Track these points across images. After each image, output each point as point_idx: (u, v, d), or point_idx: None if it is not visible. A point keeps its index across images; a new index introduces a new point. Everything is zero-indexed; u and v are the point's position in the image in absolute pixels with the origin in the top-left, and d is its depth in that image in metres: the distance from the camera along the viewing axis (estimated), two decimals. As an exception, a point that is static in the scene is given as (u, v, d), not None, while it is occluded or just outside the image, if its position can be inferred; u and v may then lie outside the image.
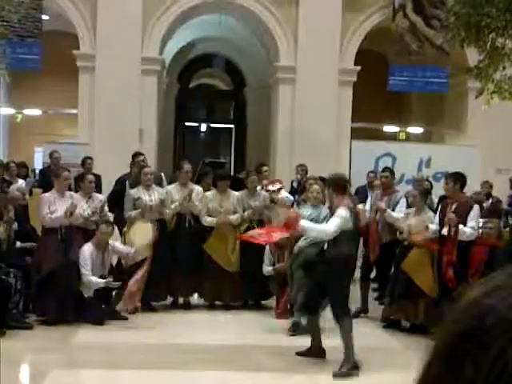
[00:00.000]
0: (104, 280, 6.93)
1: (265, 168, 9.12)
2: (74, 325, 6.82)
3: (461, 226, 6.81)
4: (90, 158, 10.49)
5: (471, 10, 7.99)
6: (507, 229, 8.09)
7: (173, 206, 7.89)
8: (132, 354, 6.07)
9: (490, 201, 9.88)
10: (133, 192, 7.82)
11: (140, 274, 7.19)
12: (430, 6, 12.45)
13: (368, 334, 7.12)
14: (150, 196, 7.76)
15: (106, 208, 7.65)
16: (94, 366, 5.65)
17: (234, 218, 8.01)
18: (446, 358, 0.58)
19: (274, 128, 13.81)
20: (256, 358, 5.97)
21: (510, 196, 10.80)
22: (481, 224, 7.24)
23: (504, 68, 8.31)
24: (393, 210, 7.77)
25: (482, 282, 0.60)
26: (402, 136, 15.16)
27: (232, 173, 14.80)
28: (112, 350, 6.14)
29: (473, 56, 9.49)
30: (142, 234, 7.41)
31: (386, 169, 8.52)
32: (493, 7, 7.79)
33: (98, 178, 8.77)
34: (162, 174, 9.28)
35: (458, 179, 7.13)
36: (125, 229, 7.75)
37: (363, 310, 7.96)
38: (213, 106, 21.41)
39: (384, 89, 13.76)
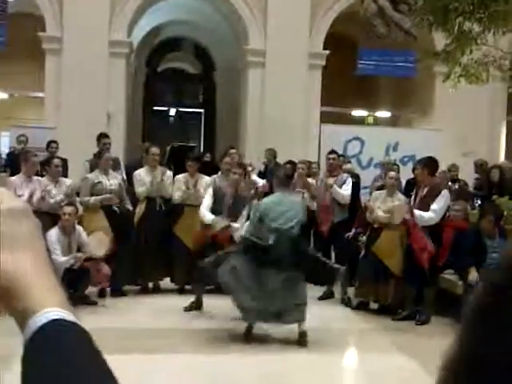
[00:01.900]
0: (70, 255, 6.89)
1: (232, 150, 9.07)
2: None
3: (418, 212, 6.90)
4: (54, 141, 10.34)
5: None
6: (474, 211, 8.21)
7: (143, 189, 7.86)
8: (100, 339, 6.00)
9: (457, 184, 10.01)
10: (92, 176, 7.71)
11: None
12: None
13: (338, 317, 7.21)
14: (109, 180, 7.68)
15: (74, 195, 7.57)
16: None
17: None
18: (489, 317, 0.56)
19: (244, 112, 13.78)
20: (225, 341, 6.00)
21: (475, 179, 10.95)
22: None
23: (471, 52, 8.40)
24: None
25: None
26: (371, 120, 15.26)
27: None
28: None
29: (440, 40, 9.56)
30: (98, 242, 7.29)
31: (332, 151, 8.52)
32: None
33: (64, 161, 8.66)
34: (119, 158, 9.20)
35: (427, 164, 7.21)
36: (82, 212, 7.62)
37: (329, 294, 8.02)
38: (182, 90, 21.25)
39: (353, 73, 13.82)
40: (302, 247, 6.13)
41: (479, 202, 8.84)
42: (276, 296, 5.80)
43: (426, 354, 5.92)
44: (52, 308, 0.69)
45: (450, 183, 9.81)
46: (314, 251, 6.63)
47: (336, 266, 6.39)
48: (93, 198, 7.52)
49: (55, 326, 0.67)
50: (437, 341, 6.41)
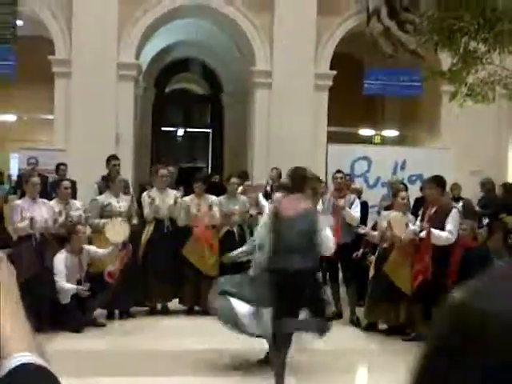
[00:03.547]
0: (75, 286, 6.92)
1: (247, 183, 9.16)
2: (52, 333, 6.77)
3: (437, 231, 6.85)
4: (63, 164, 10.43)
5: (444, 14, 8.11)
6: (481, 230, 8.19)
7: (151, 210, 7.91)
8: (109, 361, 6.04)
9: (461, 203, 10.00)
10: (102, 198, 7.75)
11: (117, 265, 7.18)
12: (404, 11, 12.60)
13: (348, 338, 7.18)
14: (119, 203, 7.72)
15: (83, 214, 7.62)
16: (71, 374, 5.58)
17: (215, 213, 8.00)
18: (441, 356, 0.59)
19: (251, 132, 13.84)
20: (237, 363, 5.99)
21: (481, 198, 10.92)
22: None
23: (477, 71, 8.44)
24: None
25: (467, 284, 0.61)
26: (378, 139, 15.29)
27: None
28: (89, 358, 6.10)
29: (446, 59, 9.60)
30: (116, 230, 7.33)
31: (339, 171, 8.49)
32: (465, 11, 7.91)
33: (73, 184, 8.73)
34: (129, 180, 9.26)
35: (439, 183, 7.18)
36: (90, 234, 7.67)
37: (337, 314, 7.97)
38: (190, 111, 21.39)
39: (359, 93, 13.87)
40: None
41: (487, 220, 8.82)
42: None
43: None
44: (22, 353, 0.76)
45: (453, 203, 9.80)
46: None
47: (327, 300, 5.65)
48: (102, 221, 7.53)
49: (24, 369, 0.74)
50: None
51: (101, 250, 7.25)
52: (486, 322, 0.57)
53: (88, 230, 7.56)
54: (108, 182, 7.91)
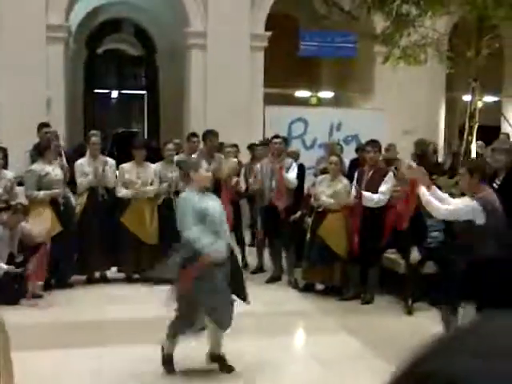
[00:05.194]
0: (5, 267, 6.78)
1: (195, 139, 8.97)
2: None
3: (368, 194, 7.03)
4: (-8, 131, 10.07)
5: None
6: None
7: (85, 179, 7.75)
8: (48, 333, 5.98)
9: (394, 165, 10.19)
10: (38, 168, 7.50)
11: (41, 252, 7.03)
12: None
13: (285, 300, 7.33)
14: (54, 171, 7.52)
15: (16, 187, 7.40)
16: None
17: (149, 189, 7.95)
18: None
19: (187, 94, 13.68)
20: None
21: (414, 159, 11.14)
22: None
23: (409, 34, 8.56)
24: None
25: (420, 347, 0.60)
26: (314, 101, 15.37)
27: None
28: (27, 331, 6.01)
29: (380, 22, 9.68)
30: (40, 219, 7.18)
31: (277, 136, 8.46)
32: (398, -25, 7.97)
33: (4, 151, 8.44)
34: (62, 146, 9.00)
35: (378, 147, 7.33)
36: (27, 204, 7.47)
37: (276, 277, 8.12)
38: (123, 72, 20.95)
39: (295, 54, 13.86)
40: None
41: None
42: None
43: (369, 332, 6.11)
44: None
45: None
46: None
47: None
48: (42, 193, 7.33)
49: None
50: (380, 319, 6.61)
51: (35, 230, 7.06)
52: None
53: (25, 202, 7.34)
54: (41, 150, 7.64)
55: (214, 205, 5.04)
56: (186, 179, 5.29)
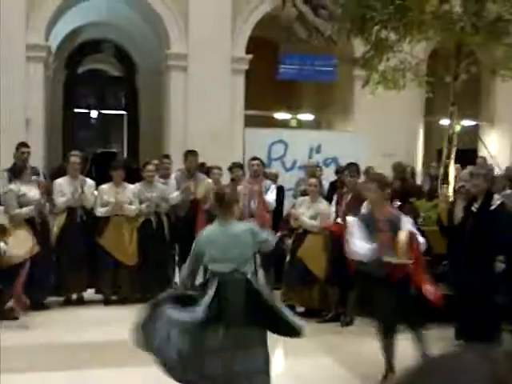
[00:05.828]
0: None
1: (165, 160, 9.04)
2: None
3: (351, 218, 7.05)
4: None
5: (356, 2, 8.27)
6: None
7: (64, 199, 7.69)
8: (23, 355, 5.87)
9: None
10: (15, 188, 7.39)
11: (22, 274, 6.92)
12: (318, -4, 12.73)
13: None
14: (31, 191, 7.43)
15: None
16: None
17: (131, 208, 7.90)
18: None
19: (167, 116, 13.69)
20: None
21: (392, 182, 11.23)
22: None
23: (388, 59, 8.66)
24: None
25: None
26: (294, 123, 15.46)
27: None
28: (1, 353, 5.91)
29: (359, 46, 9.80)
30: (19, 242, 7.06)
31: (255, 158, 8.58)
32: (377, 1, 8.09)
33: (-18, 171, 8.36)
34: (38, 168, 8.92)
35: (357, 170, 7.41)
36: (7, 225, 7.36)
37: None
38: (103, 93, 20.94)
39: (275, 77, 13.95)
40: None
41: (398, 203, 9.09)
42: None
43: (349, 354, 6.09)
44: None
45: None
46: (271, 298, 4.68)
47: (297, 323, 4.66)
48: (24, 210, 7.23)
49: None
50: (360, 340, 6.60)
51: (12, 251, 6.94)
52: None
53: (5, 222, 7.22)
54: (15, 173, 7.52)
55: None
56: (226, 211, 4.54)
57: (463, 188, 7.10)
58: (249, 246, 4.45)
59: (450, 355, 0.62)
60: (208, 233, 4.54)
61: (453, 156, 8.45)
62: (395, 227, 5.15)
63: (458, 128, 9.18)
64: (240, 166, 9.15)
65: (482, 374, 0.57)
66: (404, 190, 9.99)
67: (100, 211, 7.83)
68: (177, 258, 8.39)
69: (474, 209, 6.35)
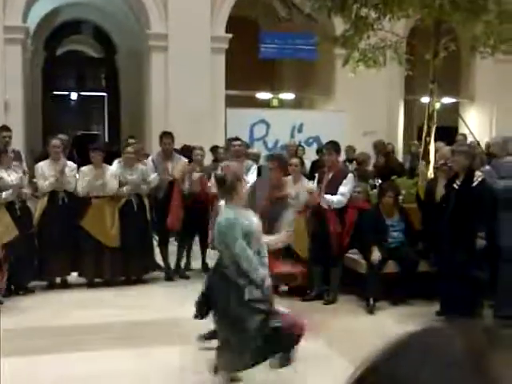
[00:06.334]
0: None
1: (131, 140, 9.02)
2: None
3: (328, 196, 7.11)
4: None
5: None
6: (374, 191, 8.52)
7: (47, 183, 7.64)
8: (9, 340, 5.87)
9: (354, 164, 10.34)
10: None
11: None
12: (298, -26, 12.64)
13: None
14: (10, 176, 7.38)
15: None
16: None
17: (109, 187, 7.82)
18: None
19: (148, 97, 13.61)
20: (146, 334, 5.98)
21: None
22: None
23: (368, 37, 8.64)
24: None
25: (381, 350, 0.63)
26: (275, 102, 15.44)
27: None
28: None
29: (340, 24, 9.77)
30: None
31: (237, 138, 8.61)
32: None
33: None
34: (20, 151, 8.86)
35: (336, 149, 7.42)
36: None
37: None
38: (83, 74, 20.72)
39: (256, 56, 13.90)
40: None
41: (379, 181, 9.17)
42: None
43: (333, 331, 6.17)
44: None
45: (346, 163, 10.13)
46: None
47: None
48: (4, 194, 7.18)
49: None
50: (343, 318, 6.68)
51: None
52: None
53: None
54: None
55: (256, 221, 4.50)
56: (227, 195, 4.50)
57: (445, 165, 7.16)
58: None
59: (428, 329, 0.63)
60: (231, 215, 4.39)
61: (433, 134, 8.50)
62: None
63: (437, 105, 9.21)
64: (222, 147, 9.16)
65: (458, 348, 0.58)
66: (389, 166, 10.08)
67: (82, 192, 7.76)
68: (156, 239, 8.41)
69: (455, 186, 6.42)
